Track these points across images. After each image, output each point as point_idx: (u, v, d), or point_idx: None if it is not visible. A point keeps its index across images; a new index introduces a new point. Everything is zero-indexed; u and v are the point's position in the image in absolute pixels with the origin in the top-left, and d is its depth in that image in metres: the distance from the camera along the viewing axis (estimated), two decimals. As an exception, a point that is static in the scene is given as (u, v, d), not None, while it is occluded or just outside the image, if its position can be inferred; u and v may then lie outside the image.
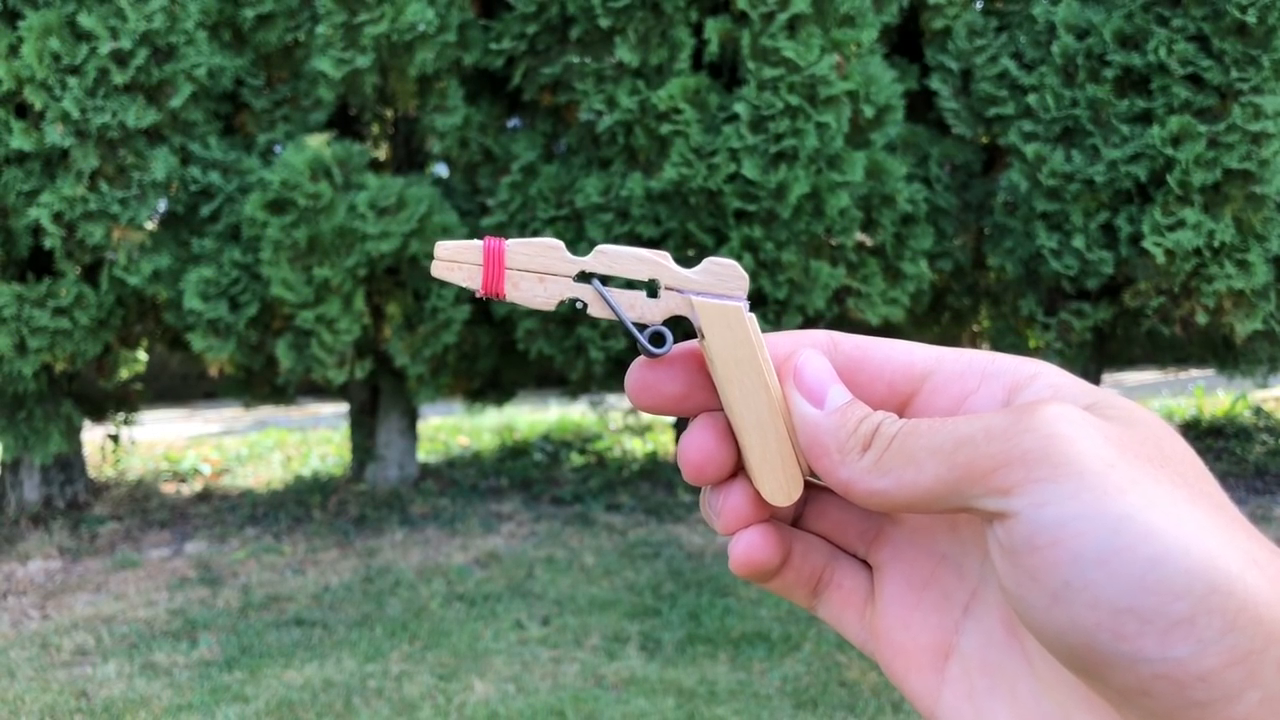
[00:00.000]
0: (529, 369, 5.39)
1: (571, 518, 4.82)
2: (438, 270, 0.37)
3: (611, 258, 0.37)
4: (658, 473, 5.65)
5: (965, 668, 0.35)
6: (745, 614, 3.46)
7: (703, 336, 0.36)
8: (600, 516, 4.83)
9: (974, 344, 6.04)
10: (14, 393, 4.62)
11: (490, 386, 5.56)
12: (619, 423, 6.96)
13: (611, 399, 6.72)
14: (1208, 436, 5.82)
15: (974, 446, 0.31)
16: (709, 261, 0.36)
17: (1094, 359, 5.18)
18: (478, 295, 0.37)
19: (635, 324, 0.37)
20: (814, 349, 0.37)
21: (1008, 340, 5.31)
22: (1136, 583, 0.27)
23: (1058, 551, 0.28)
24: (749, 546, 0.37)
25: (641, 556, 4.16)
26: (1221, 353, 5.07)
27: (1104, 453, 0.29)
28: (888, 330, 5.32)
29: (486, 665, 3.09)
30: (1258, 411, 6.22)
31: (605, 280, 0.37)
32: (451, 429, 7.42)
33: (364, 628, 3.43)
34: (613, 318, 0.37)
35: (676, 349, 0.37)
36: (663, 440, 6.56)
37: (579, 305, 0.37)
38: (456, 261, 0.37)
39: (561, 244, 0.37)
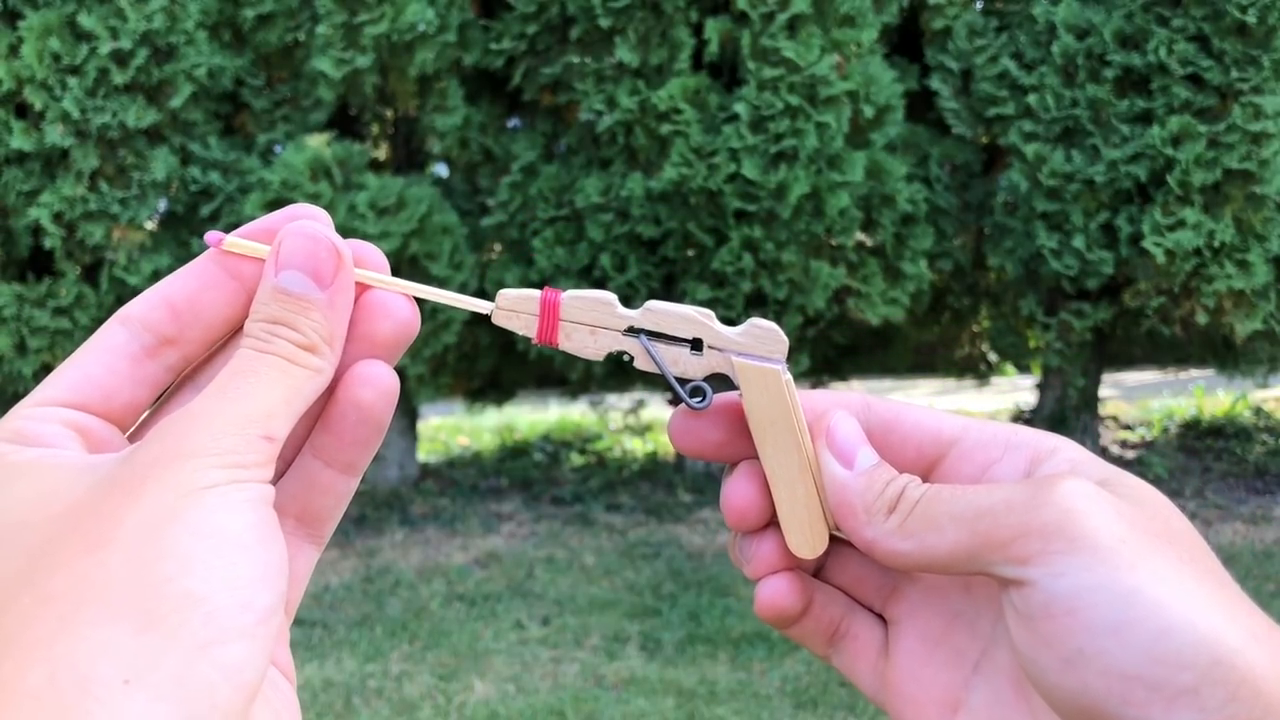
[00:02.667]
0: (529, 369, 5.39)
1: (571, 518, 4.82)
2: (498, 318, 0.39)
3: (658, 315, 0.39)
4: (658, 473, 5.65)
5: None
6: (745, 614, 3.46)
7: (742, 394, 0.38)
8: (600, 516, 4.83)
9: (974, 344, 6.04)
10: (14, 393, 4.62)
11: (490, 386, 5.56)
12: (619, 423, 6.96)
13: (611, 399, 6.72)
14: (1208, 436, 5.82)
15: (994, 516, 0.33)
16: (751, 323, 0.38)
17: (1094, 359, 5.18)
18: (534, 343, 0.39)
19: (678, 379, 0.39)
20: (847, 410, 0.39)
21: (1008, 340, 5.31)
22: (1146, 652, 0.29)
23: (1072, 620, 0.30)
24: (775, 593, 0.39)
25: (641, 556, 4.17)
26: (1221, 353, 5.07)
27: (1117, 528, 0.31)
28: (887, 329, 5.33)
29: (486, 665, 3.09)
30: (1258, 411, 6.22)
31: (653, 335, 0.39)
32: (451, 429, 7.42)
33: (364, 628, 3.43)
34: (658, 372, 0.39)
35: (718, 400, 0.39)
36: (663, 440, 6.56)
37: (626, 358, 0.39)
38: (515, 311, 0.39)
39: (614, 298, 0.39)
